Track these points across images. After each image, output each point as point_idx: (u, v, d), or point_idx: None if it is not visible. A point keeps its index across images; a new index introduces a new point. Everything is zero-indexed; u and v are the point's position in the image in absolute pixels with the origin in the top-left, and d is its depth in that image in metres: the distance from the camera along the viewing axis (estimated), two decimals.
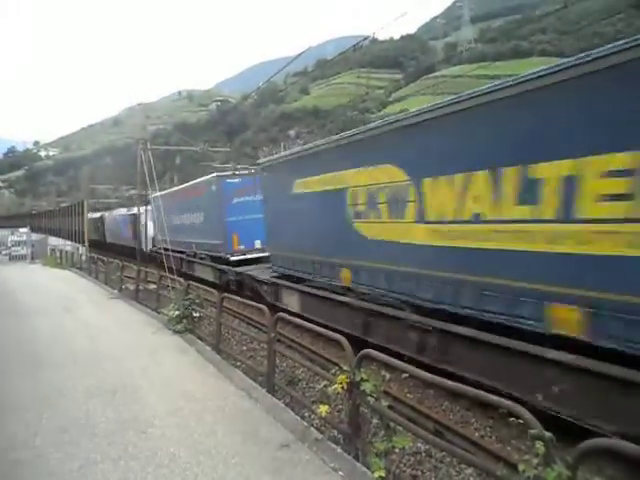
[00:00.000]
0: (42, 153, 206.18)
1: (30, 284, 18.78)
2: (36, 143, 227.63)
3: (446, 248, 7.13)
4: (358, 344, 5.80)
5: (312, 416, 6.35)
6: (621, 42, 4.81)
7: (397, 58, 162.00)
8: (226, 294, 9.47)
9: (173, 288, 12.34)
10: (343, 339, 5.23)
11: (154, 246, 24.57)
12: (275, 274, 13.26)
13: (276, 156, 13.90)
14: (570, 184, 5.28)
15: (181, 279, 12.42)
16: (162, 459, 4.49)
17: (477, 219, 6.55)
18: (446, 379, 4.13)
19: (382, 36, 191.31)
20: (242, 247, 16.09)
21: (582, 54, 5.22)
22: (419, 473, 5.63)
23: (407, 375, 7.93)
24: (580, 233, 5.25)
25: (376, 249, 8.78)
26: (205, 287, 11.44)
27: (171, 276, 12.85)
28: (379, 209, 8.59)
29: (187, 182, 20.29)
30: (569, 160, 5.29)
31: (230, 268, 15.06)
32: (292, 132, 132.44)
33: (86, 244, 28.50)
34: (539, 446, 3.04)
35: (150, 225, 25.21)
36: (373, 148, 8.70)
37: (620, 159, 4.78)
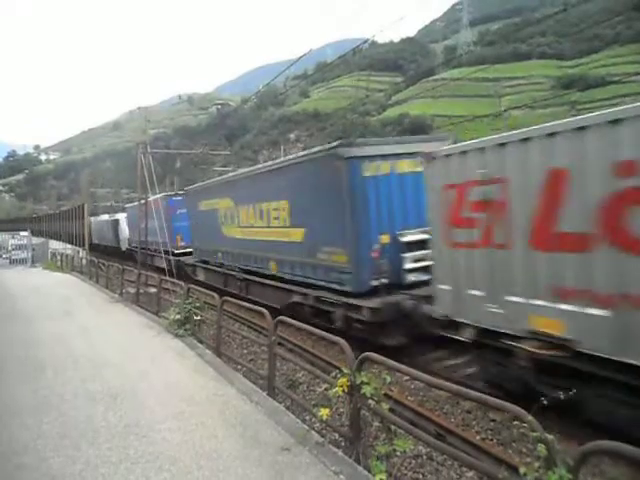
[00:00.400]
0: (42, 157, 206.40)
1: (31, 288, 18.78)
2: (36, 147, 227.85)
3: (247, 239, 15.01)
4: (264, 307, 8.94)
5: (313, 419, 6.35)
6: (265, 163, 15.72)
7: (397, 61, 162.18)
8: (226, 297, 9.47)
9: (173, 292, 12.36)
10: (343, 342, 5.23)
11: (129, 245, 32.42)
12: (195, 260, 20.66)
13: (193, 186, 22.02)
14: (267, 212, 13.49)
15: (182, 283, 12.43)
16: (163, 463, 4.49)
17: (252, 225, 14.61)
18: (447, 382, 4.13)
19: (382, 39, 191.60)
20: (183, 244, 22.65)
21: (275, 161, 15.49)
22: (420, 476, 5.63)
23: (408, 378, 7.99)
24: (270, 231, 13.41)
25: (228, 241, 16.61)
26: (205, 290, 11.45)
27: (171, 279, 13.40)
28: (226, 220, 16.67)
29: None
30: (268, 202, 13.37)
31: (174, 258, 19.31)
32: (292, 135, 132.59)
33: (86, 247, 28.53)
34: (541, 448, 3.04)
35: (126, 229, 33.37)
36: (222, 189, 17.18)
37: (277, 203, 12.83)
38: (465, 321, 7.47)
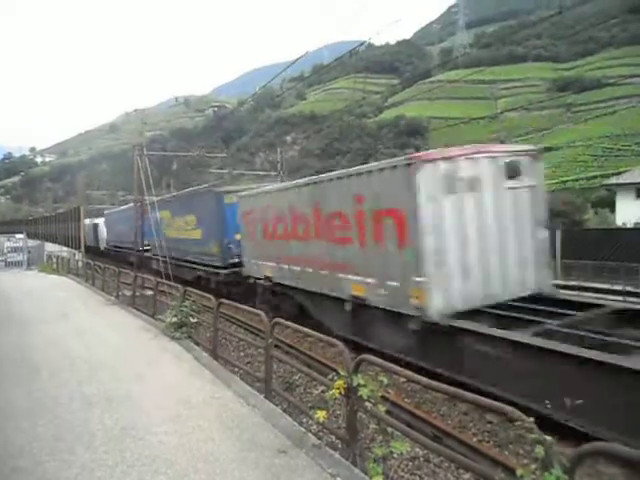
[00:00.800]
0: (38, 159, 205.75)
1: (26, 291, 18.70)
2: (32, 149, 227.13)
3: (176, 238, 22.43)
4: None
5: (310, 422, 6.34)
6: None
7: (393, 63, 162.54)
8: (222, 300, 9.46)
9: (170, 294, 12.33)
10: (340, 344, 5.24)
11: (107, 245, 40.13)
12: (152, 253, 24.61)
13: (156, 198, 24.41)
14: (185, 221, 21.99)
15: (179, 285, 12.42)
16: (159, 466, 4.48)
17: (179, 229, 22.58)
18: (444, 384, 4.14)
19: (378, 41, 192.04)
20: (146, 242, 25.80)
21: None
22: (417, 478, 5.64)
23: (405, 380, 7.99)
24: (187, 232, 21.67)
25: (168, 239, 21.83)
26: (201, 293, 11.45)
27: (167, 282, 13.42)
28: (167, 226, 23.42)
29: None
30: (186, 215, 21.86)
31: (139, 253, 24.79)
32: (289, 137, 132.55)
33: (82, 250, 28.45)
34: (539, 450, 3.04)
35: (104, 231, 40.89)
36: (165, 205, 24.20)
37: (190, 216, 21.45)
38: (252, 275, 15.62)
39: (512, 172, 9.13)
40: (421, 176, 8.20)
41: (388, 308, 9.24)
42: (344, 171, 11.10)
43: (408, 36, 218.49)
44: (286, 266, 13.08)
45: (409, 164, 8.48)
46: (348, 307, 10.42)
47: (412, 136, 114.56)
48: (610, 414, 5.68)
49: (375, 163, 10.33)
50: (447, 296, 8.30)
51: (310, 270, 11.88)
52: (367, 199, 9.68)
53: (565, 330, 7.12)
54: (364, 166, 10.61)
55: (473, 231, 8.64)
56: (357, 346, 9.33)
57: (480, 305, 8.46)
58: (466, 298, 8.41)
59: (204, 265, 19.35)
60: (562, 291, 11.44)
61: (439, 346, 8.25)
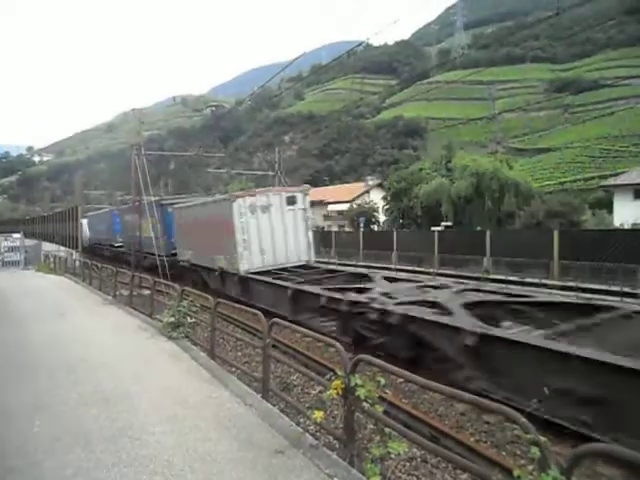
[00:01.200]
0: (36, 158, 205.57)
1: (23, 290, 18.65)
2: (30, 148, 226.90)
3: (146, 236, 25.21)
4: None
5: (307, 422, 6.34)
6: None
7: (391, 64, 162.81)
8: (220, 300, 9.44)
9: (167, 294, 12.31)
10: (338, 344, 5.23)
11: (89, 242, 43.43)
12: (125, 248, 30.92)
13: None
14: (149, 224, 25.24)
15: (176, 285, 12.41)
16: (156, 466, 4.46)
17: (143, 230, 25.82)
18: (442, 385, 4.13)
19: (376, 42, 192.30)
20: (120, 239, 31.37)
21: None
22: (414, 479, 5.63)
23: (402, 380, 8.00)
24: (145, 231, 25.69)
25: (142, 238, 26.34)
26: (199, 292, 11.42)
27: (165, 282, 13.41)
28: (133, 227, 27.59)
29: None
30: (150, 218, 24.45)
31: (112, 248, 32.13)
32: (287, 137, 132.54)
33: (79, 249, 28.41)
34: (534, 451, 3.05)
35: (87, 231, 43.82)
36: (134, 211, 28.51)
37: (151, 219, 24.30)
38: (182, 259, 22.42)
39: (290, 201, 17.22)
40: (234, 205, 16.27)
41: (229, 271, 17.22)
42: (208, 199, 22.32)
43: (406, 36, 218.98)
44: (196, 253, 20.89)
45: (229, 199, 16.75)
46: (217, 274, 18.40)
47: (410, 137, 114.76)
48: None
49: (217, 197, 23.42)
50: (249, 263, 16.34)
51: (205, 255, 19.46)
52: (217, 215, 17.78)
53: (301, 279, 14.58)
54: (214, 197, 23.38)
55: (267, 231, 16.70)
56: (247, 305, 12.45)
57: (272, 268, 16.44)
58: (264, 264, 16.57)
59: (158, 255, 22.61)
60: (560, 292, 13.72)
61: (246, 287, 16.35)
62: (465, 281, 15.99)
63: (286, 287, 13.32)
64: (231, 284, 17.26)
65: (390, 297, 10.59)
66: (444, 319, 8.39)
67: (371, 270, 18.72)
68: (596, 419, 5.75)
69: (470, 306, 9.20)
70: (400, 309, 9.35)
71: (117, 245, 32.82)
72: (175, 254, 23.40)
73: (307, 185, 19.73)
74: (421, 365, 8.23)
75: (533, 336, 7.48)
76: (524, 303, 9.74)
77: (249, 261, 16.30)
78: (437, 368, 8.00)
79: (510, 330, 8.33)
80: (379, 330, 9.80)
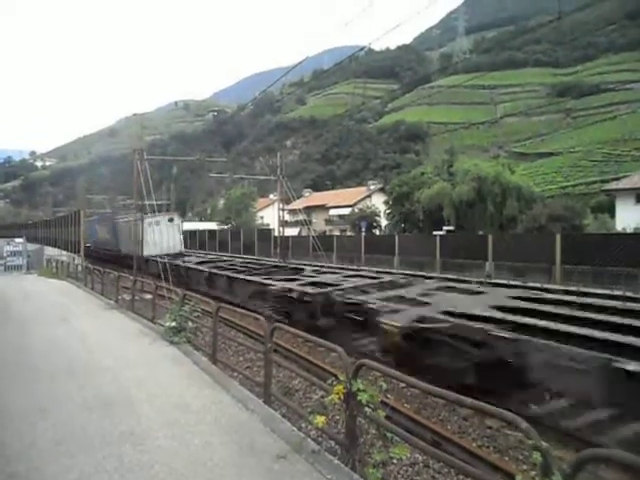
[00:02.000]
0: (38, 163, 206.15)
1: (26, 294, 18.69)
2: (32, 153, 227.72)
3: (104, 239, 40.18)
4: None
5: (309, 427, 6.32)
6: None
7: (393, 68, 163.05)
8: (221, 304, 9.44)
9: (169, 299, 12.32)
10: (340, 349, 5.22)
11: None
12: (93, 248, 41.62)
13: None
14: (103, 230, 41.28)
15: (178, 290, 12.42)
16: (158, 471, 4.46)
17: (105, 235, 41.40)
18: (444, 389, 4.12)
19: (378, 46, 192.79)
20: (89, 241, 38.37)
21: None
22: None
23: (405, 385, 7.98)
24: (105, 235, 40.23)
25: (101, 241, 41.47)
26: (201, 297, 11.42)
27: (166, 286, 13.41)
28: (101, 232, 42.60)
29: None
30: (105, 227, 41.75)
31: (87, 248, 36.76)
32: (289, 142, 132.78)
33: (82, 254, 28.48)
34: (536, 456, 3.04)
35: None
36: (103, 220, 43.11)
37: (107, 228, 41.39)
38: (148, 254, 26.05)
39: (170, 220, 31.00)
40: (145, 221, 24.62)
41: (149, 257, 25.53)
42: (131, 217, 29.98)
43: (408, 41, 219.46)
44: (127, 247, 28.52)
45: (142, 218, 24.07)
46: (136, 258, 23.95)
47: (412, 141, 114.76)
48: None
49: (137, 215, 26.99)
50: (149, 251, 25.46)
51: (130, 248, 26.35)
52: (137, 226, 24.89)
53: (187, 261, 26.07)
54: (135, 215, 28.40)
55: (158, 236, 27.58)
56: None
57: (160, 254, 22.56)
58: (156, 252, 24.91)
59: (113, 252, 31.80)
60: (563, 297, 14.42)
61: (148, 264, 25.62)
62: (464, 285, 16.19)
63: (201, 270, 22.10)
64: (150, 264, 26.40)
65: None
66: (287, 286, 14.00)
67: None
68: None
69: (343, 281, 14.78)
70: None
71: (87, 245, 39.63)
72: (120, 250, 34.12)
73: (175, 213, 35.16)
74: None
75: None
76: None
77: (149, 250, 25.75)
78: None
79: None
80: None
